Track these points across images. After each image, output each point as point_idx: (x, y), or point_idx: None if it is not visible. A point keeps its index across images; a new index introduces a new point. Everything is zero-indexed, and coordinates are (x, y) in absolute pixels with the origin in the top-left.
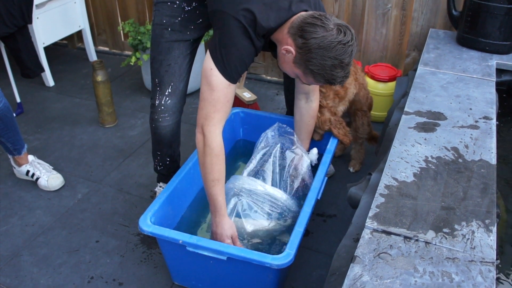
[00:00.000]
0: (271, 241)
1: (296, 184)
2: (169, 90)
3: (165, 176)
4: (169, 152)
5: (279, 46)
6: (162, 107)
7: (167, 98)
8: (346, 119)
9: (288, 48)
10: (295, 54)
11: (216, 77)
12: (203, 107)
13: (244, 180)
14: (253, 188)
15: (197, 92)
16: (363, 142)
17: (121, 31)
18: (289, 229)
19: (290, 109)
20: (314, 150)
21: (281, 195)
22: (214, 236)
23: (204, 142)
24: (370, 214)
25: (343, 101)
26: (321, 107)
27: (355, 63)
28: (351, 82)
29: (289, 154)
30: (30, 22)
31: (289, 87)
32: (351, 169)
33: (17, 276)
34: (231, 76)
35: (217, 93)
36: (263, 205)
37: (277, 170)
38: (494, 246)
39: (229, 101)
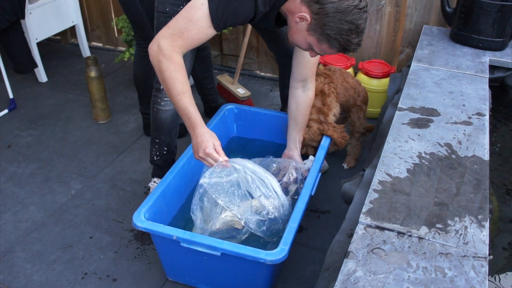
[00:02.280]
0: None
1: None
2: None
3: (160, 168)
4: (167, 140)
5: (291, 17)
6: None
7: None
8: (342, 114)
9: (302, 15)
10: (310, 20)
11: (202, 13)
12: (170, 27)
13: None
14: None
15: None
16: (360, 137)
17: (115, 27)
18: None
19: (285, 104)
20: (311, 158)
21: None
22: (195, 149)
23: (160, 57)
24: (364, 209)
25: (328, 116)
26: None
27: (344, 70)
28: (332, 101)
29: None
30: (23, 17)
31: (284, 81)
32: (345, 166)
33: (10, 272)
34: (217, 21)
35: (193, 25)
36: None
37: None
38: (487, 242)
39: (198, 41)
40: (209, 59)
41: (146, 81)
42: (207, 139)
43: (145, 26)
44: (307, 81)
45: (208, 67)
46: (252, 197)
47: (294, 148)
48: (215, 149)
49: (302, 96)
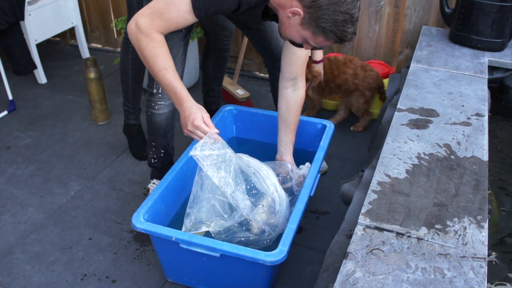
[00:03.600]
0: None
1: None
2: None
3: (158, 170)
4: (164, 143)
5: (282, 12)
6: (159, 95)
7: None
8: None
9: (295, 10)
10: (303, 15)
11: None
12: (149, 6)
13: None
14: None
15: (190, 88)
16: (364, 112)
17: (114, 28)
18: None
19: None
20: (307, 164)
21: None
22: (184, 123)
23: (138, 36)
24: (363, 210)
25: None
26: None
27: (347, 58)
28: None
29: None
30: (22, 18)
31: (274, 84)
32: (352, 128)
33: (10, 273)
34: (199, 9)
35: (173, 8)
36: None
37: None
38: (486, 242)
39: (177, 24)
40: (226, 62)
41: (128, 74)
42: (195, 111)
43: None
44: (297, 79)
45: (223, 68)
46: (247, 180)
47: (286, 153)
48: (204, 121)
49: (292, 95)
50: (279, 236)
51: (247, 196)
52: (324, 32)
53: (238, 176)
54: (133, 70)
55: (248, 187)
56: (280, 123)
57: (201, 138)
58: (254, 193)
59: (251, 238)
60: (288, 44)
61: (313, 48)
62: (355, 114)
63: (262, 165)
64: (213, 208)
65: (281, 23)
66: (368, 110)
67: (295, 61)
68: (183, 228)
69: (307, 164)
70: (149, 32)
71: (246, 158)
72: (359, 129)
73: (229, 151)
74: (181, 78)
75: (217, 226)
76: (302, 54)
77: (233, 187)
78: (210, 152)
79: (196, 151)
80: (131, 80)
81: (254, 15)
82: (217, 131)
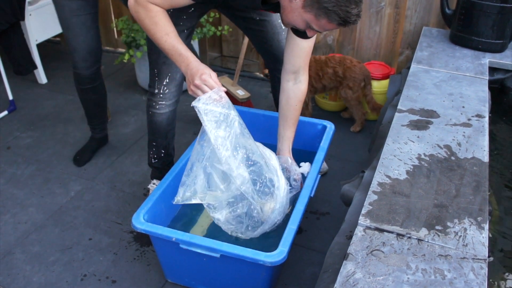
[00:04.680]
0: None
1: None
2: (167, 80)
3: (159, 170)
4: (164, 143)
5: None
6: (161, 95)
7: (165, 88)
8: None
9: None
10: None
11: None
12: None
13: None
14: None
15: None
16: (356, 104)
17: (115, 28)
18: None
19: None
20: (308, 164)
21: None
22: (191, 79)
23: (137, 8)
24: (363, 211)
25: None
26: None
27: (328, 58)
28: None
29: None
30: (23, 18)
31: (275, 85)
32: (351, 129)
33: (10, 274)
34: None
35: None
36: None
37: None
38: (486, 243)
39: (173, 1)
40: None
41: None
42: (202, 68)
43: None
44: (300, 72)
45: None
46: (247, 151)
47: (284, 149)
48: (211, 78)
49: (293, 89)
50: (280, 237)
51: (243, 166)
52: (327, 13)
53: (238, 142)
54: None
55: (246, 157)
56: (280, 118)
57: (205, 90)
58: (252, 167)
59: (253, 220)
60: (291, 36)
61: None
62: (349, 109)
63: (266, 148)
64: (210, 178)
65: (282, 8)
66: (360, 102)
67: (298, 52)
68: (175, 200)
69: (307, 163)
70: (145, 4)
71: (250, 139)
72: (356, 129)
73: (233, 113)
74: (183, 80)
75: (211, 199)
76: (305, 46)
77: (229, 151)
78: (214, 108)
79: (199, 103)
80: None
81: (253, 1)
82: (224, 89)
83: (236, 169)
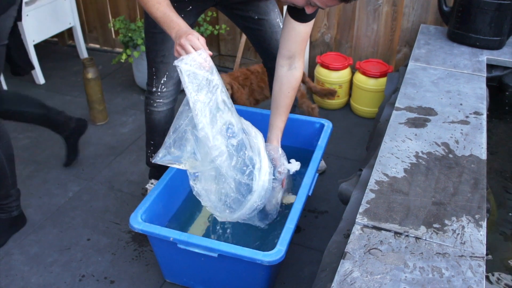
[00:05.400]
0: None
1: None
2: (165, 79)
3: (157, 169)
4: (162, 141)
5: None
6: (159, 93)
7: (163, 86)
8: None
9: None
10: None
11: None
12: None
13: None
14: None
15: None
16: (305, 101)
17: (112, 28)
18: None
19: None
20: (297, 163)
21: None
22: (178, 38)
23: None
24: (361, 210)
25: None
26: None
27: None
28: (239, 97)
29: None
30: (20, 19)
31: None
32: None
33: (8, 275)
34: None
35: None
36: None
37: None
38: (484, 241)
39: None
40: None
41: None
42: (192, 31)
43: None
44: (295, 58)
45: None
46: (229, 124)
47: (273, 139)
48: (199, 41)
49: (287, 75)
50: (278, 236)
51: (221, 137)
52: None
53: (219, 111)
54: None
55: (226, 129)
56: (272, 106)
57: (189, 50)
58: (232, 140)
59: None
60: (288, 20)
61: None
62: (299, 108)
63: (252, 127)
64: (188, 144)
65: None
66: (307, 98)
67: (295, 37)
68: (153, 158)
69: (298, 162)
70: None
71: (234, 112)
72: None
73: (217, 80)
74: None
75: (189, 167)
76: (302, 30)
77: (207, 118)
78: (196, 70)
79: (181, 63)
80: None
81: None
82: (210, 53)
83: (213, 139)
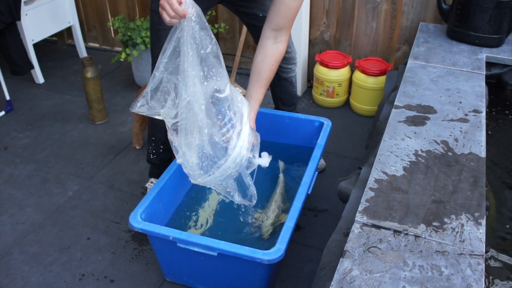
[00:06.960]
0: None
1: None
2: None
3: (157, 167)
4: (163, 138)
5: None
6: None
7: None
8: None
9: None
10: None
11: None
12: None
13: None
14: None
15: None
16: None
17: (111, 27)
18: None
19: (278, 104)
20: (264, 154)
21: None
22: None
23: None
24: (360, 208)
25: None
26: None
27: None
28: None
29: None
30: (19, 18)
31: (273, 82)
32: None
33: (8, 274)
34: None
35: None
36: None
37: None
38: (483, 239)
39: None
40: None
41: None
42: None
43: None
44: (282, 32)
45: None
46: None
47: (252, 111)
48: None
49: (272, 47)
50: (277, 236)
51: (199, 84)
52: None
53: (204, 57)
54: None
55: (206, 75)
56: (252, 76)
57: (168, 15)
58: (216, 94)
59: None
60: None
61: None
62: None
63: (240, 94)
64: (170, 86)
65: None
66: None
67: (284, 11)
68: (131, 107)
69: (270, 156)
70: None
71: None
72: None
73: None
74: None
75: (168, 115)
76: (293, 6)
77: (195, 65)
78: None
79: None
80: None
81: None
82: (185, 13)
83: (192, 86)
